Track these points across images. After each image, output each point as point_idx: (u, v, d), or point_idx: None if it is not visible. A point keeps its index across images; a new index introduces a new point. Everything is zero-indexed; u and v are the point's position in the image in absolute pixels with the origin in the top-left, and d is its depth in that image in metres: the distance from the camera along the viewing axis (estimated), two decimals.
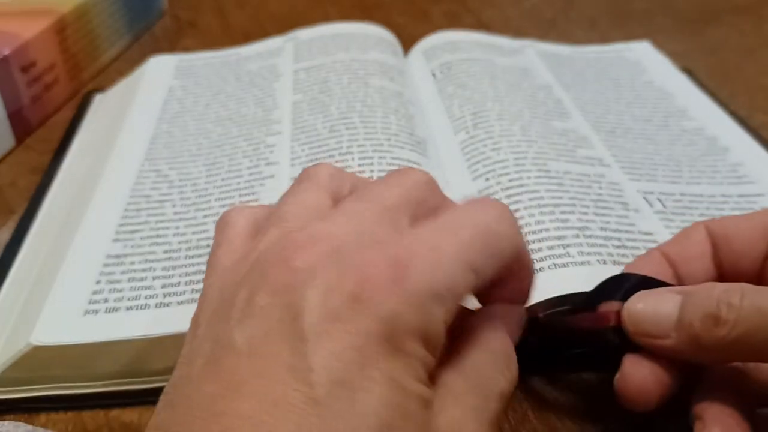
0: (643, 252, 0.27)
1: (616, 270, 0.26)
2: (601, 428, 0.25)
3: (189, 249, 0.29)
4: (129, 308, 0.26)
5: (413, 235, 0.18)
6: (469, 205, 0.20)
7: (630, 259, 0.27)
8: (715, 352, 0.19)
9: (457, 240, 0.18)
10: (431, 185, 0.21)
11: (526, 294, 0.22)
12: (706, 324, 0.19)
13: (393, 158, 0.32)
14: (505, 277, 0.20)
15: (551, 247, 0.27)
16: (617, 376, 0.21)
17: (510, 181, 0.31)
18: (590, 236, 0.28)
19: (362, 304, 0.16)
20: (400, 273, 0.16)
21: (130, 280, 0.27)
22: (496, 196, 0.31)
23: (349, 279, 0.16)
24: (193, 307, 0.25)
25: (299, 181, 0.22)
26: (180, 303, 0.26)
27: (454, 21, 0.55)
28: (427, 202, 0.20)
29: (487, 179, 0.32)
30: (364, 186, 0.21)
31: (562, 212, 0.29)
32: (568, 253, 0.27)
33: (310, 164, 0.32)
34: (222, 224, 0.21)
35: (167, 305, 0.26)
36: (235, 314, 0.17)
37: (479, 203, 0.21)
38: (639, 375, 0.21)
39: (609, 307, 0.22)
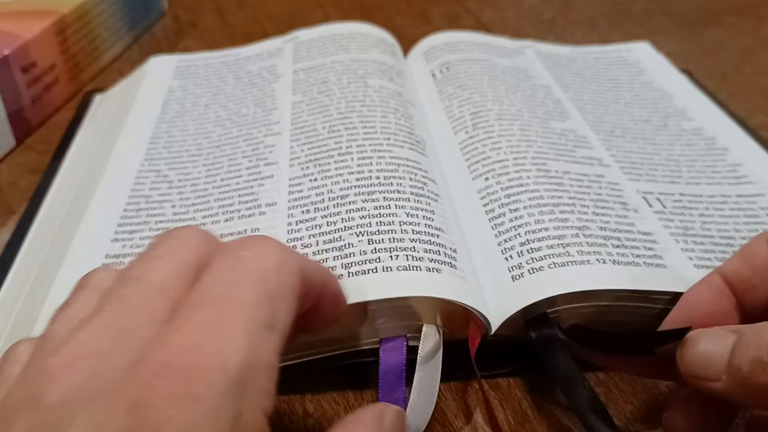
0: (642, 251, 0.28)
1: (616, 269, 0.26)
2: None
3: None
4: None
5: (187, 319, 0.15)
6: (237, 256, 0.17)
7: (629, 259, 0.27)
8: (764, 398, 0.18)
9: (238, 305, 0.15)
10: (201, 239, 0.18)
11: (341, 310, 0.20)
12: (755, 369, 0.18)
13: (392, 158, 0.32)
14: (311, 303, 0.18)
15: (550, 247, 0.27)
16: (665, 414, 0.21)
17: (509, 180, 0.31)
18: (590, 236, 0.28)
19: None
20: (185, 377, 0.14)
21: None
22: (496, 196, 0.31)
23: (120, 408, 0.13)
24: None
25: (73, 292, 0.19)
26: None
27: (453, 22, 0.55)
28: (197, 262, 0.17)
29: (487, 179, 0.32)
30: (133, 265, 0.17)
31: (562, 212, 0.29)
32: (567, 252, 0.27)
33: (310, 164, 0.32)
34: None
35: None
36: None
37: (246, 247, 0.17)
38: (686, 417, 0.20)
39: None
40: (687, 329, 0.21)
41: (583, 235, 0.28)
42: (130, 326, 0.15)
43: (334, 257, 0.27)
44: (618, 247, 0.28)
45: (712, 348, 0.19)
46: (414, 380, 0.24)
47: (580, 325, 0.26)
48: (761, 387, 0.18)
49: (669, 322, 0.23)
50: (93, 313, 0.16)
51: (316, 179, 0.31)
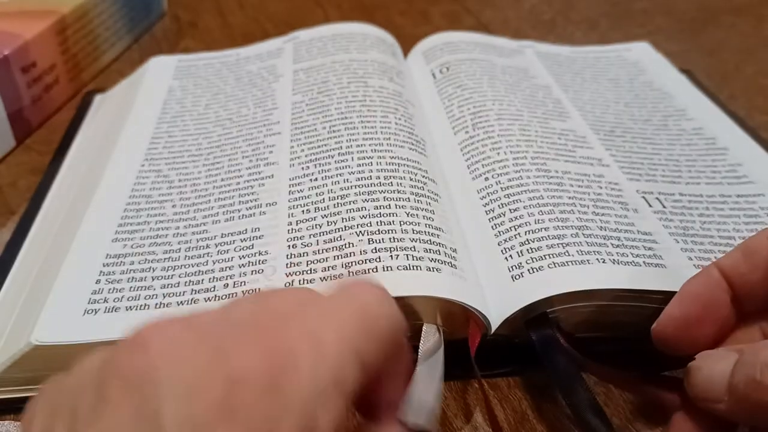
0: (642, 251, 0.28)
1: (616, 269, 0.26)
2: None
3: (189, 249, 0.29)
4: (129, 308, 0.26)
5: (286, 322, 0.16)
6: (343, 289, 0.18)
7: (629, 258, 0.27)
8: (759, 415, 0.19)
9: (339, 325, 0.16)
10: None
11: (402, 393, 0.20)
12: (749, 387, 0.18)
13: (392, 158, 0.32)
14: (385, 372, 0.18)
15: (550, 246, 0.27)
16: None
17: (509, 180, 0.31)
18: (589, 236, 0.28)
19: (231, 415, 0.13)
20: (277, 374, 0.14)
21: (129, 280, 0.27)
22: (496, 196, 0.31)
23: (216, 381, 0.14)
24: (193, 307, 0.26)
25: None
26: (179, 303, 0.26)
27: (453, 22, 0.55)
28: None
29: (487, 179, 0.32)
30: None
31: (562, 212, 0.29)
32: (567, 252, 0.27)
33: (310, 164, 0.32)
34: None
35: (167, 305, 0.26)
36: (82, 413, 0.14)
37: (354, 286, 0.18)
38: None
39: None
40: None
41: (583, 234, 0.28)
42: (238, 315, 0.16)
43: (334, 257, 0.27)
44: (618, 246, 0.28)
45: (714, 371, 0.20)
46: (414, 380, 0.24)
47: (586, 338, 0.26)
48: (756, 405, 0.18)
49: (667, 313, 0.23)
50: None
51: (316, 179, 0.31)
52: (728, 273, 0.22)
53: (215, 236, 0.29)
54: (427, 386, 0.24)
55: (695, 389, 0.20)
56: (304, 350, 0.15)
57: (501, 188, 0.31)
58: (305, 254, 0.27)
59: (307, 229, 0.29)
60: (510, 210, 0.30)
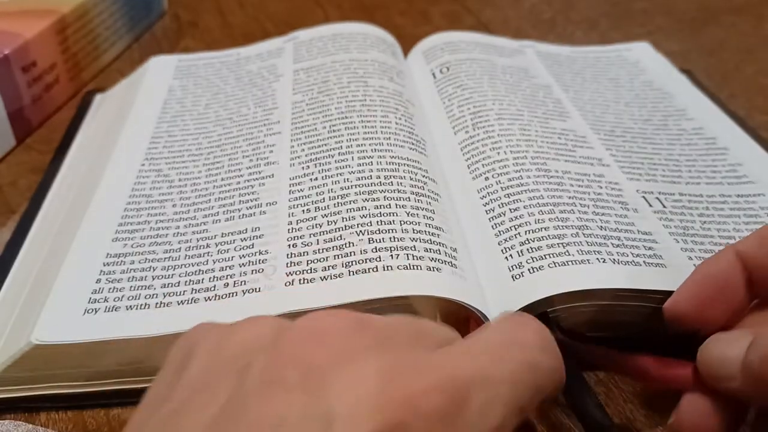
0: (642, 251, 0.28)
1: (616, 269, 0.26)
2: None
3: (189, 249, 0.29)
4: (129, 307, 0.26)
5: (460, 355, 0.16)
6: (506, 325, 0.18)
7: (629, 258, 0.27)
8: None
9: (511, 375, 0.16)
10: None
11: None
12: (765, 365, 0.18)
13: (392, 157, 0.32)
14: None
15: (550, 246, 0.27)
16: (673, 418, 0.22)
17: (509, 180, 0.31)
18: (589, 235, 0.28)
19: None
20: (452, 407, 0.14)
21: (130, 279, 0.27)
22: (496, 195, 0.31)
23: (395, 403, 0.13)
24: (194, 307, 0.26)
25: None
26: (180, 303, 0.26)
27: (453, 21, 0.55)
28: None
29: (487, 178, 0.32)
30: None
31: (562, 211, 0.29)
32: (567, 252, 0.27)
33: (310, 163, 0.32)
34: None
35: (167, 305, 0.26)
36: (251, 382, 0.14)
37: (517, 323, 0.18)
38: (695, 418, 0.21)
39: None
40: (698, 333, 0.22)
41: (583, 234, 0.28)
42: (400, 336, 0.16)
43: (334, 256, 0.27)
44: (618, 246, 0.28)
45: (728, 350, 0.20)
46: None
47: (586, 334, 0.26)
48: None
49: (681, 291, 0.23)
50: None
51: (316, 178, 0.31)
52: (745, 257, 0.23)
53: (215, 236, 0.29)
54: None
55: (708, 368, 0.20)
56: (477, 390, 0.15)
57: (501, 188, 0.31)
58: (305, 253, 0.27)
59: (307, 228, 0.29)
60: (510, 210, 0.30)
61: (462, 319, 0.26)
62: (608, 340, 0.27)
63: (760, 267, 0.22)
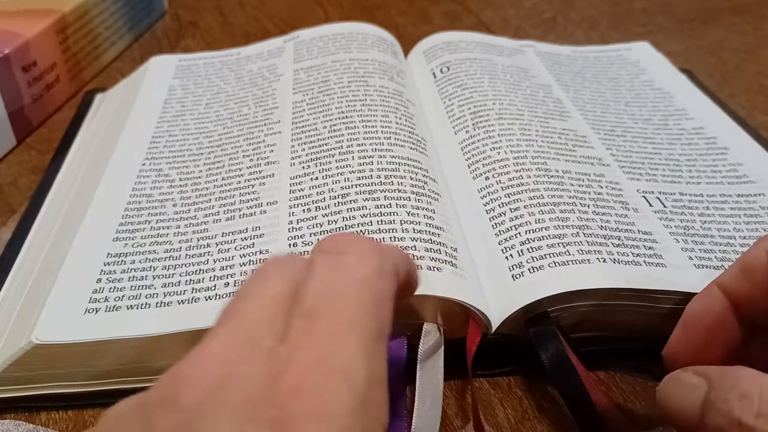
0: (642, 250, 0.28)
1: (616, 269, 0.26)
2: None
3: (189, 248, 0.29)
4: (129, 307, 0.26)
5: (306, 332, 0.15)
6: (338, 261, 0.17)
7: (630, 258, 0.27)
8: None
9: (351, 317, 0.15)
10: (300, 261, 0.18)
11: (413, 291, 0.21)
12: (732, 428, 0.18)
13: (393, 157, 0.32)
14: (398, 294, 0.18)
15: (551, 246, 0.27)
16: (666, 345, 0.23)
17: (510, 180, 0.31)
18: (590, 235, 0.28)
19: None
20: (319, 396, 0.14)
21: (130, 279, 0.27)
22: (496, 195, 0.31)
23: (263, 423, 0.13)
24: (194, 306, 0.26)
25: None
26: (180, 302, 0.26)
27: (454, 21, 0.55)
28: (300, 277, 0.17)
29: (487, 178, 0.32)
30: (243, 285, 0.17)
31: (562, 211, 0.29)
32: (567, 251, 0.27)
33: (311, 163, 0.32)
34: None
35: (168, 304, 0.26)
36: None
37: (344, 250, 0.17)
38: (688, 344, 0.22)
39: None
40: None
41: (584, 234, 0.28)
42: (251, 336, 0.15)
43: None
44: (618, 246, 0.28)
45: (687, 403, 0.19)
46: (417, 379, 0.24)
47: (586, 337, 0.26)
48: None
49: (674, 338, 0.23)
50: (214, 326, 0.16)
51: (317, 178, 0.31)
52: (729, 291, 0.22)
53: (216, 235, 0.29)
54: (431, 390, 0.24)
55: (668, 416, 0.20)
56: (323, 371, 0.14)
57: (501, 187, 0.31)
58: (306, 253, 0.27)
59: (307, 228, 0.29)
60: (510, 209, 0.30)
61: (462, 318, 0.26)
62: (609, 339, 0.28)
63: (747, 300, 0.22)
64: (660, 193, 0.32)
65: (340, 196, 0.30)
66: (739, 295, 0.22)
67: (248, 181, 0.32)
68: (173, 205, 0.31)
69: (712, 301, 0.22)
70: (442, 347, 0.25)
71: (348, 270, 0.17)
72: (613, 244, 0.28)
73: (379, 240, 0.27)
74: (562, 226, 0.28)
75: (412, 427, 0.23)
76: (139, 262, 0.28)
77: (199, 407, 0.14)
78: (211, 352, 0.15)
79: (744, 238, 0.29)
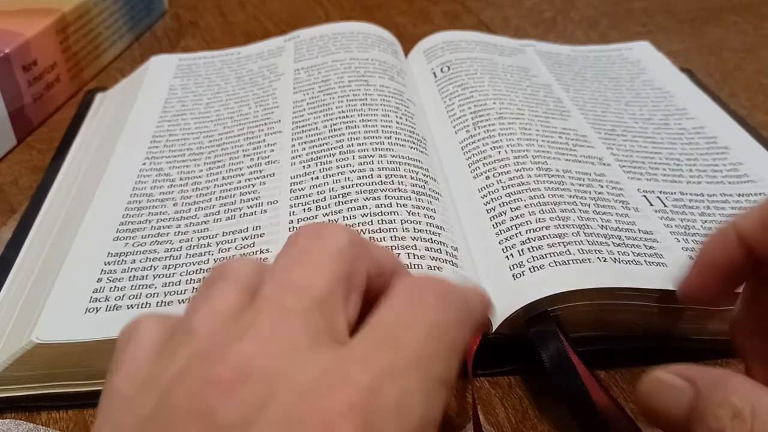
0: (643, 250, 0.28)
1: (617, 268, 0.26)
2: None
3: (190, 248, 0.29)
4: (130, 306, 0.26)
5: (365, 360, 0.14)
6: (400, 296, 0.16)
7: (630, 257, 0.27)
8: None
9: (412, 350, 0.14)
10: (357, 246, 0.17)
11: None
12: None
13: (393, 156, 0.32)
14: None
15: (551, 245, 0.27)
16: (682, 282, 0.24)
17: (510, 179, 0.31)
18: (590, 234, 0.28)
19: None
20: (369, 422, 0.13)
21: (131, 278, 0.27)
22: (497, 195, 0.31)
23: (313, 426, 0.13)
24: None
25: (210, 280, 0.17)
26: (181, 302, 0.26)
27: (454, 20, 0.55)
28: (359, 274, 0.17)
29: (488, 177, 0.32)
30: (283, 268, 0.17)
31: (563, 210, 0.29)
32: (568, 251, 0.27)
33: (311, 162, 0.32)
34: (124, 339, 0.17)
35: (168, 304, 0.26)
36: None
37: (412, 289, 0.16)
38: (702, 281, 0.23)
39: None
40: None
41: (584, 233, 0.28)
42: (295, 343, 0.14)
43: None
44: (619, 245, 0.28)
45: (671, 409, 0.19)
46: None
47: (587, 337, 0.26)
48: None
49: (687, 280, 0.24)
50: (250, 319, 0.15)
51: (317, 177, 0.31)
52: (746, 238, 0.22)
53: (216, 234, 0.29)
54: None
55: (649, 418, 0.20)
56: (387, 388, 0.13)
57: (502, 187, 0.31)
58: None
59: None
60: (511, 209, 0.30)
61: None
62: (609, 339, 0.28)
63: (763, 247, 0.22)
64: (661, 192, 0.32)
65: (341, 196, 0.30)
66: (755, 241, 0.22)
67: (249, 180, 0.32)
68: (174, 205, 0.31)
69: (727, 246, 0.22)
70: None
71: (427, 311, 0.16)
72: (613, 243, 0.28)
73: (377, 238, 0.27)
74: (563, 225, 0.28)
75: None
76: (140, 261, 0.28)
77: (239, 429, 0.13)
78: (251, 360, 0.14)
79: None
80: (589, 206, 0.30)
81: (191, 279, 0.27)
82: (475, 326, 0.17)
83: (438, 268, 0.26)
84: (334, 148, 0.33)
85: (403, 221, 0.28)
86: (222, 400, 0.13)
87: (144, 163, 0.35)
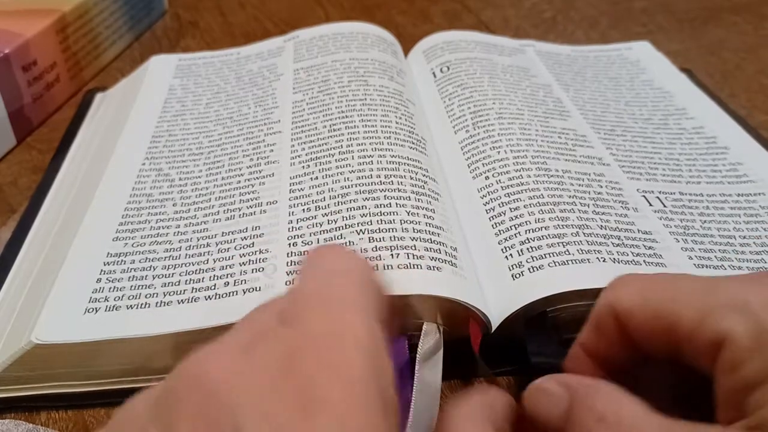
0: (642, 250, 0.28)
1: (617, 268, 0.26)
2: None
3: (189, 248, 0.29)
4: (129, 307, 0.26)
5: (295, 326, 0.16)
6: (319, 269, 0.18)
7: (629, 257, 0.27)
8: None
9: (347, 294, 0.16)
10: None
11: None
12: None
13: (393, 156, 0.32)
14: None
15: (551, 245, 0.27)
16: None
17: (510, 179, 0.31)
18: (590, 234, 0.28)
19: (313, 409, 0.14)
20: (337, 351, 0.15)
21: (130, 278, 0.27)
22: (496, 195, 0.31)
23: (288, 400, 0.14)
24: (194, 306, 0.26)
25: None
26: (180, 302, 0.26)
27: (454, 20, 0.55)
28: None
29: (487, 178, 0.32)
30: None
31: (562, 210, 0.29)
32: (567, 251, 0.27)
33: (311, 162, 0.32)
34: None
35: (167, 304, 0.26)
36: None
37: (328, 259, 0.18)
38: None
39: None
40: None
41: (583, 233, 0.28)
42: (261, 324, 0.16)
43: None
44: (618, 245, 0.28)
45: (549, 414, 0.20)
46: (415, 379, 0.24)
47: None
48: None
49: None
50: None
51: (317, 177, 0.31)
52: (583, 343, 0.21)
53: (216, 234, 0.29)
54: (429, 390, 0.24)
55: (535, 424, 0.20)
56: (320, 341, 0.15)
57: (501, 187, 0.31)
58: (306, 252, 0.27)
59: (307, 227, 0.29)
60: (510, 209, 0.30)
61: (462, 318, 0.26)
62: None
63: (600, 354, 0.21)
64: (660, 192, 0.32)
65: (340, 196, 0.30)
66: (592, 347, 0.21)
67: (248, 180, 0.32)
68: (173, 205, 0.31)
69: (575, 359, 0.22)
70: (442, 347, 0.25)
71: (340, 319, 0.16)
72: (612, 243, 0.28)
73: (377, 239, 0.27)
74: (562, 225, 0.28)
75: (408, 423, 0.23)
76: (139, 261, 0.28)
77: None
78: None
79: (744, 237, 0.29)
80: (588, 206, 0.30)
81: (191, 279, 0.27)
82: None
83: (437, 268, 0.26)
84: (334, 148, 0.33)
85: (402, 221, 0.28)
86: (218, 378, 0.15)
87: (143, 164, 0.35)
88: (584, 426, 0.18)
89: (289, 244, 0.28)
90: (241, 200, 0.31)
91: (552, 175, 0.32)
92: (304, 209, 0.30)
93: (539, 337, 0.25)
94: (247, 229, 0.29)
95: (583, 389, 0.19)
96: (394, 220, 0.28)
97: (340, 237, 0.28)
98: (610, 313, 0.20)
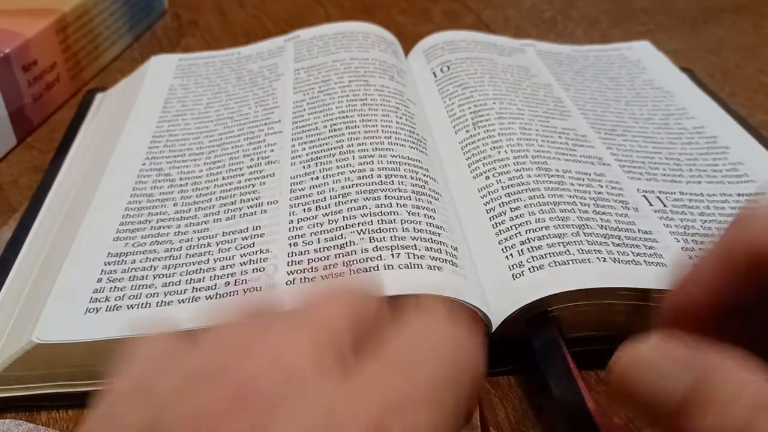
0: (643, 250, 0.28)
1: (617, 268, 0.26)
2: None
3: (190, 248, 0.29)
4: (130, 306, 0.26)
5: (372, 391, 0.13)
6: (416, 326, 0.15)
7: (630, 257, 0.27)
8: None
9: (423, 381, 0.14)
10: (369, 303, 0.16)
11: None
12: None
13: (393, 156, 0.32)
14: None
15: (551, 245, 0.27)
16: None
17: (510, 179, 0.31)
18: (590, 234, 0.28)
19: None
20: None
21: (131, 278, 0.27)
22: (497, 195, 0.31)
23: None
24: (195, 306, 0.26)
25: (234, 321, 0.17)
26: (181, 301, 0.26)
27: (454, 20, 0.55)
28: (367, 325, 0.16)
29: (488, 177, 0.32)
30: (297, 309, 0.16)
31: (562, 210, 0.29)
32: (567, 251, 0.27)
33: (311, 162, 0.32)
34: (126, 354, 0.17)
35: (168, 303, 0.26)
36: None
37: (426, 319, 0.16)
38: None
39: None
40: None
41: (584, 233, 0.28)
42: (301, 368, 0.14)
43: (335, 255, 0.27)
44: (618, 245, 0.28)
45: (657, 392, 0.15)
46: None
47: (586, 336, 0.26)
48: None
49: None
50: (257, 337, 0.15)
51: (317, 177, 0.31)
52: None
53: (216, 234, 0.29)
54: None
55: (629, 401, 0.16)
56: (392, 421, 0.13)
57: (502, 187, 0.31)
58: (306, 252, 0.27)
59: (308, 227, 0.29)
60: (511, 209, 0.30)
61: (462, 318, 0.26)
62: (608, 339, 0.28)
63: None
64: (660, 192, 0.32)
65: (341, 196, 0.30)
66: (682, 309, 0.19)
67: (249, 180, 0.32)
68: (174, 205, 0.31)
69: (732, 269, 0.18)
70: None
71: (443, 344, 0.15)
72: (613, 243, 0.28)
73: (377, 238, 0.27)
74: (563, 225, 0.28)
75: None
76: (140, 261, 0.28)
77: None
78: (247, 377, 0.13)
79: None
80: (588, 206, 0.30)
81: (191, 279, 0.27)
82: (478, 375, 0.16)
83: (438, 267, 0.26)
84: (334, 148, 0.33)
85: (403, 221, 0.28)
86: (218, 421, 0.13)
87: (144, 164, 0.35)
88: (727, 413, 0.14)
89: (290, 244, 0.28)
90: (241, 200, 0.31)
91: (552, 175, 0.32)
92: (304, 209, 0.30)
93: (544, 336, 0.25)
94: (247, 228, 0.29)
95: (719, 362, 0.15)
96: (394, 219, 0.28)
97: (340, 237, 0.28)
98: (742, 256, 0.17)
